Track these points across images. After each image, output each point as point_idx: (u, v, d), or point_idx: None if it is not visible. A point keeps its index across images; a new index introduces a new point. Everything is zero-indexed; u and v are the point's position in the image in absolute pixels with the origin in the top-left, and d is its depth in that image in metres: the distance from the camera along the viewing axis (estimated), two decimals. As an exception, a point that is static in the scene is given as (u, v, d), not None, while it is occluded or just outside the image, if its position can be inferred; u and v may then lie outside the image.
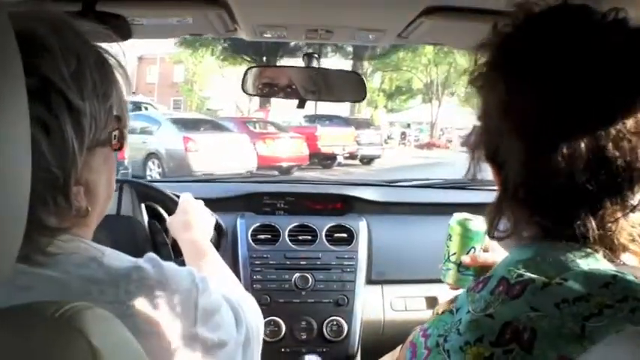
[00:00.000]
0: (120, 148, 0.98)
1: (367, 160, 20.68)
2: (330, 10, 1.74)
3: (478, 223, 1.43)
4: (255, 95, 2.14)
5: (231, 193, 2.49)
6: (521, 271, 0.81)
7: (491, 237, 0.97)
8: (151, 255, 0.94)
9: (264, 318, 2.02)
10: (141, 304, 0.86)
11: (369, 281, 2.23)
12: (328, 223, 2.32)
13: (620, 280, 0.77)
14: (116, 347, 0.65)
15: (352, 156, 19.74)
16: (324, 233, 2.28)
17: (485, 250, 1.45)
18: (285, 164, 15.52)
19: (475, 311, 0.82)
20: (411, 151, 28.04)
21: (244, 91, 2.10)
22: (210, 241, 1.60)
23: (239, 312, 1.06)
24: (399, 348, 1.58)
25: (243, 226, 2.29)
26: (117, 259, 0.90)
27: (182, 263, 1.48)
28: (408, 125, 38.79)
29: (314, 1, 1.66)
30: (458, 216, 1.48)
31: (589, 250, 0.84)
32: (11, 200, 0.55)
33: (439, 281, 2.21)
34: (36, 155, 0.67)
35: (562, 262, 0.81)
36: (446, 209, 2.48)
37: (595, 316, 0.74)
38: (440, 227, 2.41)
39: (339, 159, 18.89)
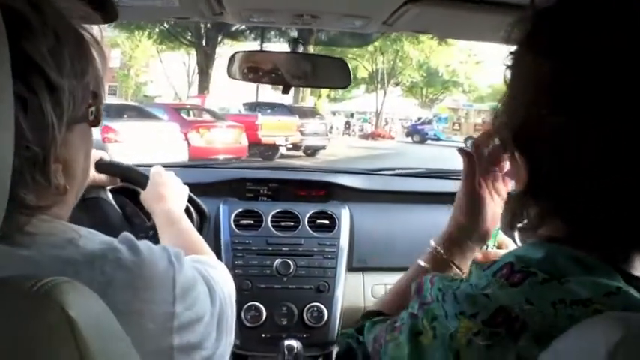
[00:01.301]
0: (97, 124, 0.99)
1: (311, 152, 19.77)
2: None
3: None
4: (240, 80, 2.11)
5: (214, 178, 2.49)
6: (526, 265, 0.81)
7: (510, 229, 0.96)
8: (126, 235, 0.94)
9: (245, 303, 2.04)
10: (117, 284, 0.86)
11: (351, 268, 2.24)
12: (311, 209, 2.33)
13: (623, 293, 0.75)
14: (93, 320, 0.66)
15: (295, 147, 18.84)
16: (306, 219, 2.29)
17: (499, 247, 1.42)
18: (221, 156, 13.95)
19: (476, 287, 0.82)
20: (355, 142, 27.93)
21: (230, 75, 2.08)
22: (193, 224, 1.61)
23: (211, 283, 1.07)
24: None
25: (226, 211, 2.28)
26: (92, 240, 0.90)
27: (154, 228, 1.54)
28: (352, 115, 39.02)
29: None
30: None
31: (607, 265, 0.80)
32: None
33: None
34: (15, 132, 0.68)
35: (569, 267, 0.80)
36: (428, 198, 2.54)
37: None
38: (422, 216, 2.47)
39: (281, 150, 18.00)
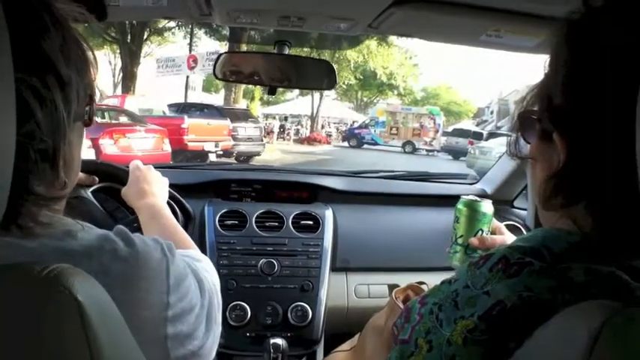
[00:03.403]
0: (90, 124, 1.01)
1: (244, 158, 17.33)
2: None
3: (486, 205, 1.44)
4: (223, 80, 2.12)
5: (199, 179, 2.49)
6: (522, 255, 0.82)
7: (544, 210, 0.95)
8: (120, 228, 0.96)
9: (230, 303, 2.05)
10: (114, 275, 0.88)
11: (334, 268, 2.27)
12: (295, 210, 2.35)
13: (616, 278, 0.78)
14: (97, 304, 0.69)
15: (227, 153, 16.83)
16: (290, 220, 2.30)
17: (493, 233, 1.47)
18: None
19: (475, 287, 0.83)
20: (291, 146, 27.38)
21: (215, 75, 2.08)
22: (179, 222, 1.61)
23: (199, 275, 1.10)
24: (357, 336, 1.63)
25: (211, 211, 2.29)
26: (90, 233, 0.92)
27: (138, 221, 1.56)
28: (286, 118, 38.83)
29: None
30: (465, 198, 1.46)
31: (604, 253, 0.81)
32: None
33: (401, 270, 2.31)
34: (32, 125, 0.75)
35: (565, 254, 0.81)
36: (410, 200, 2.60)
37: None
38: (403, 217, 2.52)
39: (211, 157, 16.00)
